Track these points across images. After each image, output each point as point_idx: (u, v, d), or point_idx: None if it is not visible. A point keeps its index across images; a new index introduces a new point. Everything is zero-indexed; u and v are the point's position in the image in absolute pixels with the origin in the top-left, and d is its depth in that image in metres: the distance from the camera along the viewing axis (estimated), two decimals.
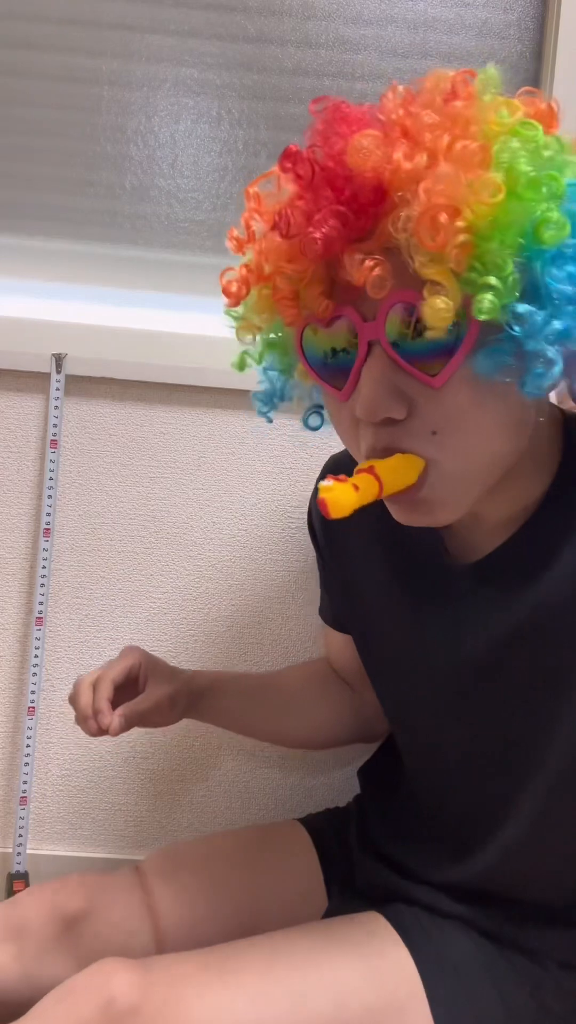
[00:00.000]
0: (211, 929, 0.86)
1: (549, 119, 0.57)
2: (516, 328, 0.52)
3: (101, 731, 0.82)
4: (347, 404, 0.62)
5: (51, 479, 1.13)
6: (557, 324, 0.52)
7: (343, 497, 0.55)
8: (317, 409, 0.75)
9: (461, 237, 0.51)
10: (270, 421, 0.74)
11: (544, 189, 0.52)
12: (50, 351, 1.10)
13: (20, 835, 1.14)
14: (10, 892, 1.12)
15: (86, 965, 0.81)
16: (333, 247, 0.55)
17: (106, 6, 1.13)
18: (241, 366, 0.71)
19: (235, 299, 0.63)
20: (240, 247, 0.63)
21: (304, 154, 0.56)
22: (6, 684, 1.17)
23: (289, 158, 0.56)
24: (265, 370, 0.72)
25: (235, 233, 0.62)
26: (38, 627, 1.13)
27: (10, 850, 1.15)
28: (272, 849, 0.94)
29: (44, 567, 1.13)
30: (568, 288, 0.52)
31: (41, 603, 1.13)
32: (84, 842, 1.19)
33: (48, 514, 1.13)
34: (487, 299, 0.52)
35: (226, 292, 0.64)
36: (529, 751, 0.72)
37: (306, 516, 0.94)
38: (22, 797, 1.14)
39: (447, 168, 0.51)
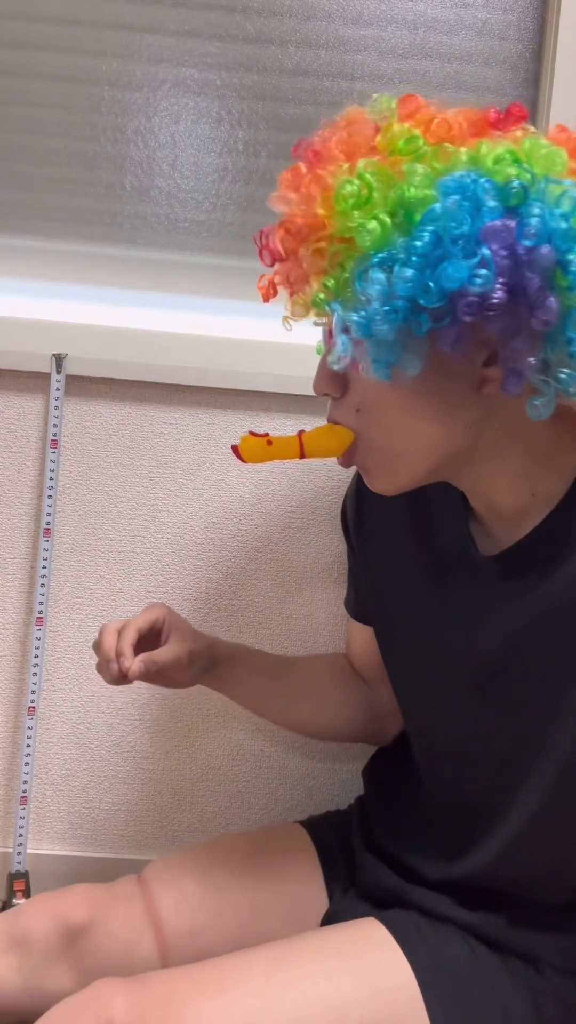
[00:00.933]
0: (213, 936, 0.86)
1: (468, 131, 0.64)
2: (335, 320, 0.64)
3: (121, 676, 0.83)
4: None
5: (51, 479, 1.13)
6: (353, 316, 0.61)
7: (252, 448, 0.71)
8: None
9: (315, 245, 0.63)
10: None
11: (357, 202, 0.61)
12: (50, 351, 1.10)
13: (20, 835, 1.14)
14: (10, 892, 1.12)
15: (88, 976, 0.81)
16: (276, 256, 0.68)
17: (106, 6, 1.13)
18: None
19: (264, 296, 0.74)
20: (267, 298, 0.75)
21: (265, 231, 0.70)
22: (6, 684, 1.17)
23: (263, 235, 0.70)
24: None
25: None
26: (38, 627, 1.13)
27: (10, 850, 1.15)
28: (273, 853, 0.94)
29: (44, 567, 1.13)
30: (370, 287, 0.60)
31: (41, 603, 1.13)
32: (84, 842, 1.19)
33: (48, 514, 1.13)
34: (316, 296, 0.65)
35: (259, 288, 0.75)
36: (541, 743, 0.73)
37: (340, 511, 0.97)
38: (22, 797, 1.14)
39: (298, 196, 0.65)
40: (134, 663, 0.83)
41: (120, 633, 0.85)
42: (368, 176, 0.61)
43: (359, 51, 1.14)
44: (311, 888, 0.92)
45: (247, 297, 1.18)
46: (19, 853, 1.14)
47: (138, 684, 1.17)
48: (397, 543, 0.84)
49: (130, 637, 0.83)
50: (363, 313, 0.61)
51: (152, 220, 1.17)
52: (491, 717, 0.76)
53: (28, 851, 1.15)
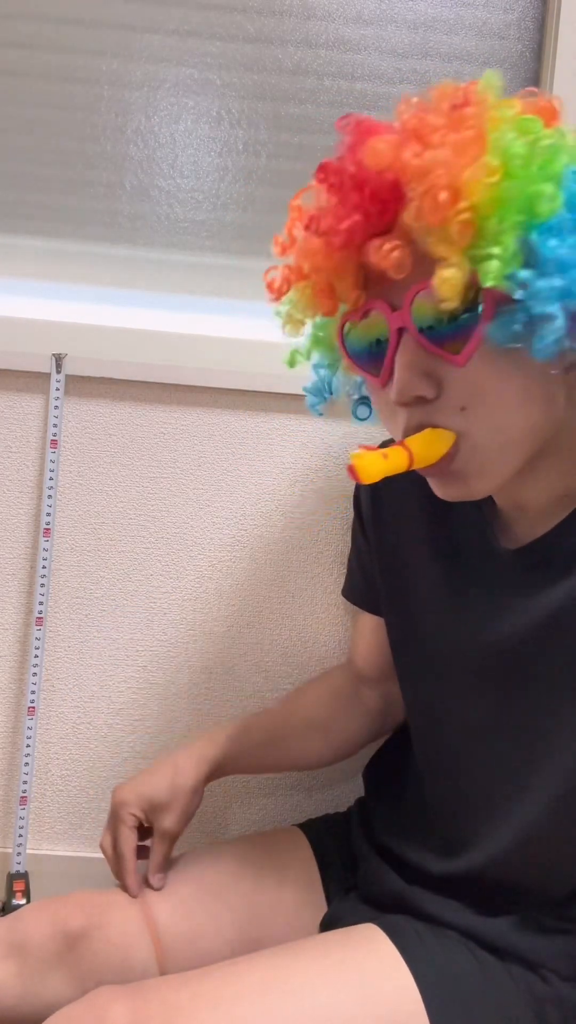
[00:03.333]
0: (211, 940, 0.86)
1: (550, 115, 0.62)
2: (519, 292, 0.57)
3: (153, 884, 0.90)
4: (385, 391, 0.67)
5: (51, 479, 1.13)
6: (557, 282, 0.56)
7: (371, 464, 0.61)
8: (364, 400, 0.79)
9: (463, 215, 0.57)
10: (320, 415, 0.80)
11: (537, 169, 0.57)
12: (50, 351, 1.10)
13: (20, 835, 1.14)
14: (10, 892, 1.12)
15: (86, 982, 0.81)
16: (355, 237, 0.61)
17: (106, 6, 1.13)
18: (292, 363, 0.76)
19: (277, 293, 0.70)
20: (284, 251, 0.69)
21: (333, 164, 0.63)
22: (6, 684, 1.17)
23: (322, 170, 0.63)
24: (315, 366, 0.78)
25: (279, 239, 0.69)
26: (38, 627, 1.13)
27: (10, 850, 1.15)
28: (271, 857, 0.94)
29: (44, 567, 1.13)
30: (563, 252, 0.56)
31: (41, 603, 1.13)
32: (84, 842, 1.19)
33: (48, 514, 1.13)
34: (490, 266, 0.57)
35: (269, 288, 0.70)
36: (559, 734, 0.73)
37: (353, 494, 0.96)
38: (22, 797, 1.14)
39: (445, 152, 0.57)
40: (155, 881, 0.89)
41: (120, 865, 0.89)
42: (534, 131, 0.58)
43: (359, 51, 1.14)
44: (309, 892, 0.92)
45: (247, 297, 1.18)
46: (19, 854, 1.14)
47: (138, 685, 1.17)
48: (414, 532, 0.84)
49: (130, 868, 0.89)
50: (561, 280, 0.56)
51: (152, 220, 1.17)
52: (510, 709, 0.76)
53: (28, 851, 1.15)
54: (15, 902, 1.10)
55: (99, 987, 0.72)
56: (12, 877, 1.13)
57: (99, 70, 1.14)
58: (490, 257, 0.57)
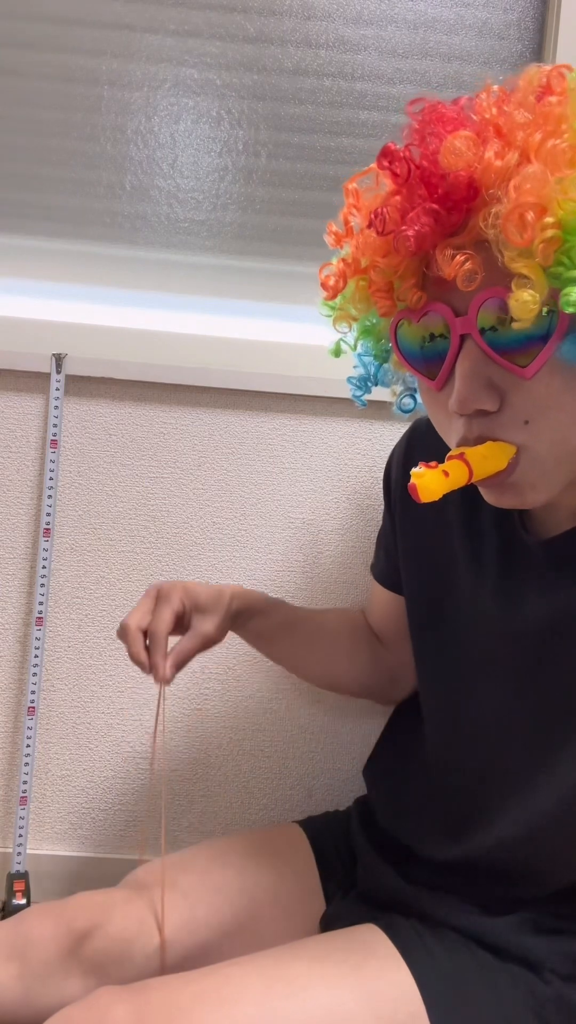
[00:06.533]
0: (212, 934, 0.86)
1: None
2: None
3: (156, 678, 0.82)
4: (440, 394, 0.64)
5: (51, 479, 1.13)
6: None
7: (433, 483, 0.59)
8: (410, 392, 0.78)
9: (549, 233, 0.53)
10: (363, 405, 0.78)
11: None
12: (50, 351, 1.10)
13: (20, 835, 1.14)
14: (10, 892, 1.12)
15: (89, 980, 0.81)
16: (425, 243, 0.58)
17: (106, 6, 1.13)
18: (336, 353, 0.74)
19: (333, 292, 0.67)
20: (338, 241, 0.66)
21: (401, 153, 0.58)
22: (6, 684, 1.17)
23: (387, 156, 0.59)
24: (360, 356, 0.75)
25: (333, 228, 0.66)
26: (38, 627, 1.13)
27: (10, 850, 1.15)
28: (270, 853, 0.94)
29: (44, 567, 1.13)
30: None
31: (41, 603, 1.13)
32: (84, 842, 1.19)
33: (48, 514, 1.13)
34: (574, 292, 0.54)
35: (324, 285, 0.67)
36: (567, 726, 0.73)
37: (383, 474, 0.95)
38: (22, 797, 1.14)
39: (536, 167, 0.53)
40: (167, 672, 0.81)
41: (152, 642, 0.82)
42: None
43: (359, 51, 1.14)
44: (308, 888, 0.92)
45: (247, 297, 1.18)
46: (19, 853, 1.14)
47: (138, 685, 1.17)
48: (443, 516, 0.84)
49: (162, 648, 0.81)
50: None
51: (152, 220, 1.17)
52: (529, 695, 0.76)
53: (28, 851, 1.15)
54: (15, 902, 1.10)
55: (100, 988, 0.72)
56: (12, 877, 1.13)
57: (99, 70, 1.14)
58: (572, 281, 0.54)
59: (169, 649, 0.83)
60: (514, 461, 0.62)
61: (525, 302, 0.54)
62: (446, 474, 0.59)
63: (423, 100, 0.59)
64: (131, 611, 0.84)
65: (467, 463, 0.60)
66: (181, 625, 0.85)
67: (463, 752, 0.83)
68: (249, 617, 0.91)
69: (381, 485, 0.96)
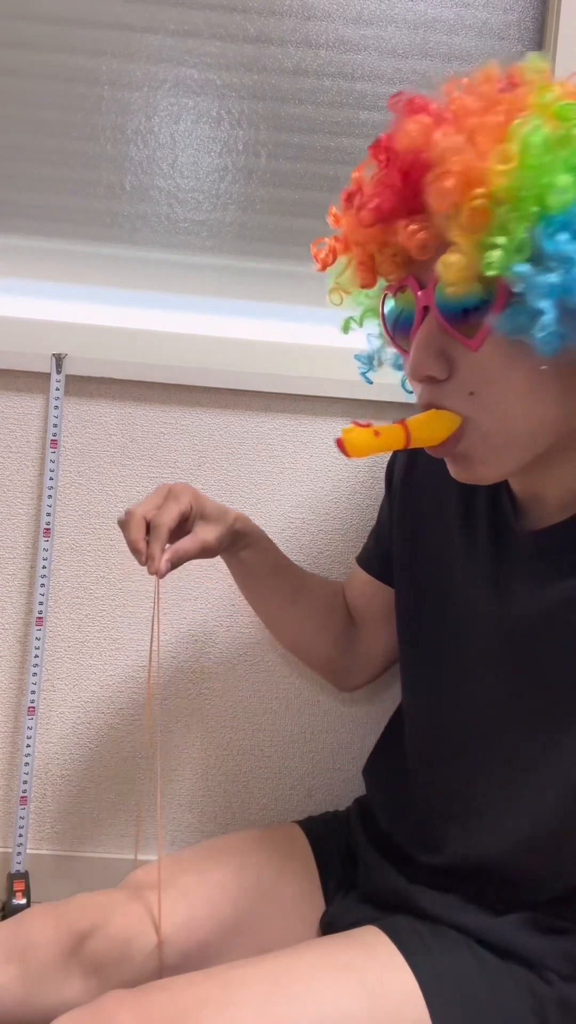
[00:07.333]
0: (211, 933, 0.86)
1: None
2: (518, 285, 0.57)
3: (150, 569, 0.82)
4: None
5: (51, 479, 1.13)
6: (553, 278, 0.56)
7: (359, 439, 0.62)
8: None
9: (476, 202, 0.56)
10: (370, 382, 0.82)
11: (559, 159, 0.56)
12: (50, 351, 1.10)
13: (20, 835, 1.14)
14: (10, 892, 1.12)
15: (89, 981, 0.81)
16: (384, 215, 0.63)
17: (106, 6, 1.13)
18: (345, 328, 0.79)
19: (322, 265, 0.72)
20: (336, 221, 0.70)
21: (382, 140, 0.64)
22: (6, 684, 1.17)
23: (373, 145, 0.65)
24: (368, 334, 0.79)
25: (333, 210, 0.71)
26: (38, 627, 1.13)
27: (10, 850, 1.15)
28: (270, 853, 0.94)
29: (44, 567, 1.13)
30: (569, 248, 0.55)
31: (41, 603, 1.13)
32: (84, 842, 1.19)
33: (48, 514, 1.13)
34: (492, 255, 0.56)
35: (316, 257, 0.72)
36: (559, 718, 0.73)
37: (387, 461, 0.96)
38: (22, 797, 1.14)
39: (460, 138, 0.57)
40: (162, 565, 0.81)
41: (153, 532, 0.82)
42: (547, 130, 0.56)
43: (359, 51, 1.14)
44: (307, 888, 0.92)
45: (247, 297, 1.18)
46: (19, 854, 1.14)
47: (138, 685, 1.17)
48: (442, 503, 0.84)
49: (162, 539, 0.81)
50: (558, 276, 0.55)
51: (152, 220, 1.17)
52: (522, 688, 0.76)
53: (28, 851, 1.15)
54: (15, 902, 1.11)
55: (107, 993, 0.72)
56: (12, 877, 1.13)
57: (99, 70, 1.14)
58: (495, 246, 0.56)
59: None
60: (459, 432, 0.65)
61: (449, 264, 0.58)
62: (377, 434, 0.62)
63: (402, 94, 0.64)
64: (139, 503, 0.84)
65: (406, 428, 0.63)
66: (183, 529, 0.85)
67: (450, 755, 0.83)
68: (247, 544, 0.92)
69: (381, 485, 0.97)
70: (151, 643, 1.05)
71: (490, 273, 0.57)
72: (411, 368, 0.65)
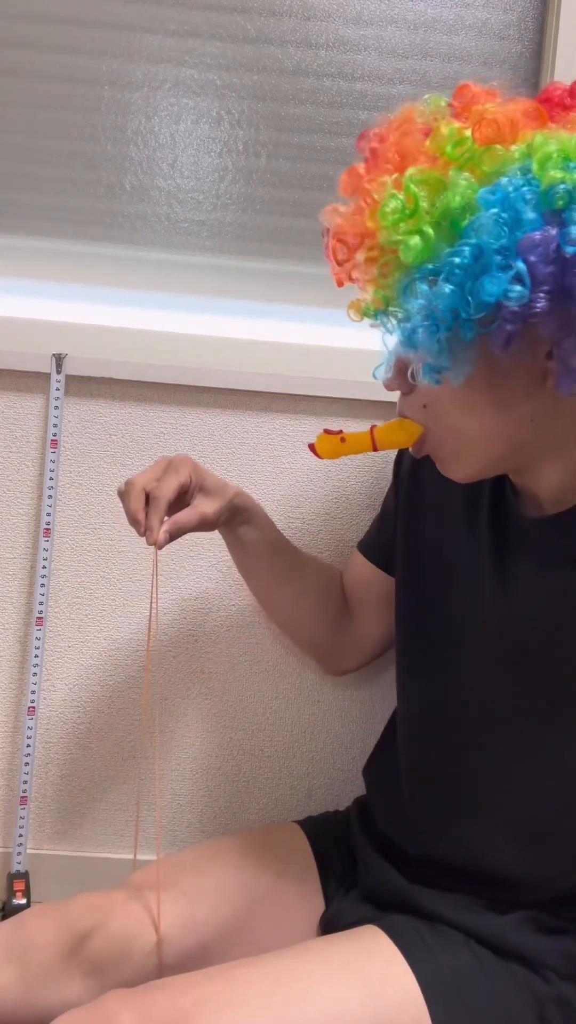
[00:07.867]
0: (211, 933, 0.86)
1: (526, 119, 0.63)
2: (385, 331, 0.69)
3: (149, 540, 0.82)
4: None
5: (51, 479, 1.13)
6: (397, 328, 0.66)
7: (326, 445, 0.77)
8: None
9: (370, 253, 0.66)
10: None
11: (401, 217, 0.62)
12: (50, 351, 1.10)
13: (20, 835, 1.14)
14: (10, 892, 1.12)
15: (89, 980, 0.81)
16: (337, 256, 0.70)
17: (106, 6, 1.13)
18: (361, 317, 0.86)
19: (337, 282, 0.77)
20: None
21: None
22: (6, 684, 1.17)
23: (359, 138, 0.73)
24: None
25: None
26: (38, 627, 1.14)
27: (10, 850, 1.15)
28: (270, 852, 0.94)
29: (44, 567, 1.13)
30: (413, 302, 0.63)
31: (41, 603, 1.13)
32: (84, 842, 1.19)
33: (48, 514, 1.13)
34: (368, 306, 0.68)
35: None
36: (560, 710, 0.74)
37: (395, 455, 0.98)
38: (22, 797, 1.14)
39: (356, 206, 0.67)
40: (160, 536, 0.81)
41: (151, 504, 0.82)
42: (414, 187, 0.62)
43: (359, 51, 1.14)
44: (308, 887, 0.93)
45: (247, 297, 1.18)
46: (19, 853, 1.14)
47: (138, 685, 1.17)
48: (448, 500, 0.86)
49: (161, 511, 0.82)
50: (407, 325, 0.63)
51: (152, 220, 1.17)
52: (523, 678, 0.77)
53: (28, 851, 1.15)
54: (15, 902, 1.11)
55: (107, 992, 0.73)
56: (12, 877, 1.13)
57: (99, 70, 1.14)
58: (374, 292, 0.67)
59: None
60: (422, 439, 0.74)
61: (351, 303, 0.71)
62: (343, 440, 0.76)
63: (367, 133, 0.71)
64: (140, 473, 0.85)
65: (372, 435, 0.75)
66: (182, 502, 0.86)
67: (449, 737, 0.83)
68: (245, 520, 0.93)
69: (381, 487, 0.97)
70: (149, 621, 1.06)
71: (367, 316, 0.68)
72: (381, 380, 0.74)
